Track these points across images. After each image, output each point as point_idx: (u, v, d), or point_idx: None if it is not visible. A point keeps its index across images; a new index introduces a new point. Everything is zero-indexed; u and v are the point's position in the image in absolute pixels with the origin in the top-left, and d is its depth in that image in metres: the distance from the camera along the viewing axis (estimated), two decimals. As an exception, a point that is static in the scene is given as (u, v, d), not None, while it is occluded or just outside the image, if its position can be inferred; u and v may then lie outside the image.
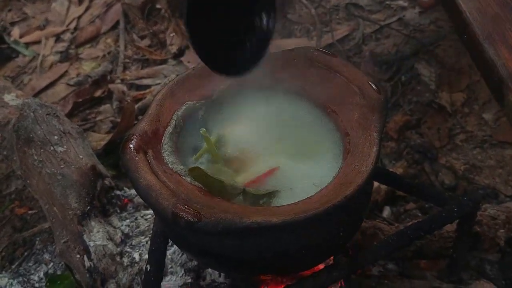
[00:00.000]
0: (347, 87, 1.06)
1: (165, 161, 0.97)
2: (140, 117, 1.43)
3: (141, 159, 0.92)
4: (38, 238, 1.61)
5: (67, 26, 2.56)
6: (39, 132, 1.47)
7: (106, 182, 1.47)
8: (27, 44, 2.50)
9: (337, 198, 0.87)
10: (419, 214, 1.54)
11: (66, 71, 2.33)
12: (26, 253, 1.58)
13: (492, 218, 1.37)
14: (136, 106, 1.97)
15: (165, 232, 1.08)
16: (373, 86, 1.03)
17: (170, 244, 1.25)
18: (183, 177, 0.94)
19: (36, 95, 2.20)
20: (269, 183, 1.00)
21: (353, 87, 1.05)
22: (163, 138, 1.01)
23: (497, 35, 0.94)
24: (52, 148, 1.45)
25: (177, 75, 1.12)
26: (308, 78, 1.10)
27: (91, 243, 1.32)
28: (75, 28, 2.55)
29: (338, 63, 1.09)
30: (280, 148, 1.08)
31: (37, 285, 1.45)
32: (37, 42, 2.51)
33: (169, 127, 1.02)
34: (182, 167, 0.96)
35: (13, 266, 1.55)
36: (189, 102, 1.07)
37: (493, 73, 0.91)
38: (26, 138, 1.46)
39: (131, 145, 0.94)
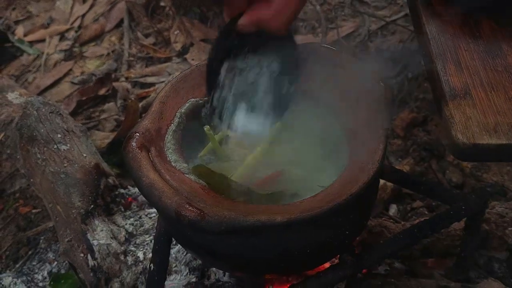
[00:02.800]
0: (353, 84, 1.04)
1: (168, 159, 0.95)
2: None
3: (144, 157, 0.91)
4: (42, 237, 1.60)
5: (71, 24, 2.55)
6: (43, 130, 1.46)
7: (110, 180, 1.46)
8: (31, 43, 2.49)
9: (343, 196, 0.86)
10: (426, 212, 1.52)
11: (70, 70, 2.33)
12: (30, 252, 1.57)
13: (500, 216, 1.36)
14: (140, 104, 1.96)
15: (169, 231, 1.07)
16: (380, 83, 1.02)
17: (174, 243, 1.24)
18: (186, 175, 0.93)
19: (41, 93, 2.20)
20: (273, 185, 0.99)
21: (359, 83, 1.03)
22: (166, 136, 0.99)
23: (449, 53, 0.99)
24: (55, 146, 1.44)
25: (181, 72, 1.10)
26: (314, 74, 1.08)
27: (95, 242, 1.31)
28: (79, 27, 2.54)
29: (344, 59, 1.07)
30: (284, 147, 1.07)
31: (41, 284, 1.44)
32: (41, 40, 2.50)
33: (172, 124, 1.01)
34: (185, 165, 0.95)
35: (17, 265, 1.54)
36: (193, 99, 1.06)
37: (436, 87, 0.96)
38: (30, 137, 1.45)
39: (134, 143, 0.93)
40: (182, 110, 1.04)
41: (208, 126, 1.03)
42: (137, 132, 0.95)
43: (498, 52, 1.00)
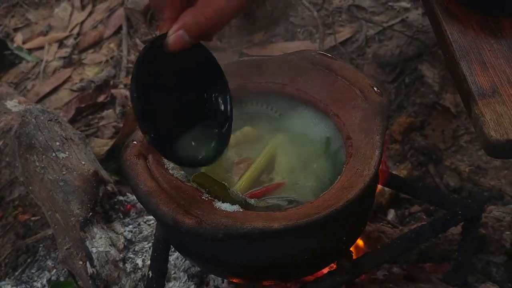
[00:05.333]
0: (349, 90, 1.05)
1: (165, 166, 0.96)
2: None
3: (141, 165, 0.92)
4: (41, 245, 1.60)
5: (70, 31, 2.56)
6: (41, 138, 1.46)
7: (109, 187, 1.47)
8: (30, 50, 2.50)
9: (340, 202, 0.87)
10: (424, 217, 1.52)
11: (69, 77, 2.33)
12: (29, 260, 1.57)
13: (497, 220, 1.36)
14: (139, 111, 1.96)
15: (167, 238, 1.08)
16: (375, 89, 1.03)
17: (173, 249, 1.24)
18: (184, 183, 0.93)
19: (40, 100, 2.20)
20: (274, 196, 1.00)
21: (355, 90, 1.04)
22: (164, 143, 1.00)
23: (473, 54, 0.99)
24: (54, 154, 1.44)
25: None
26: (310, 82, 1.09)
27: (94, 250, 1.31)
28: (78, 34, 2.55)
29: (339, 66, 1.08)
30: (284, 157, 1.08)
31: (40, 292, 1.45)
32: (40, 48, 2.51)
33: (169, 132, 1.02)
34: (182, 172, 0.96)
35: (16, 273, 1.54)
36: (190, 106, 1.07)
37: (463, 88, 0.96)
38: (28, 145, 1.46)
39: (131, 151, 0.93)
40: (180, 118, 1.05)
41: None
42: (135, 140, 0.96)
43: None
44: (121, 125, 1.97)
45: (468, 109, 0.95)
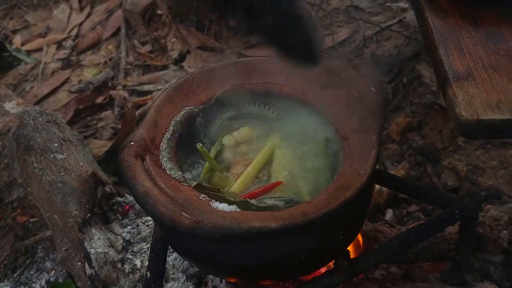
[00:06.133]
0: (346, 90, 1.05)
1: (163, 167, 0.96)
2: (141, 123, 1.42)
3: (139, 166, 0.92)
4: (40, 246, 1.60)
5: (68, 33, 2.56)
6: (39, 139, 1.47)
7: (107, 189, 1.47)
8: (28, 52, 2.50)
9: (336, 202, 0.87)
10: (422, 217, 1.52)
11: (68, 78, 2.33)
12: (28, 261, 1.57)
13: (495, 219, 1.36)
14: (137, 112, 1.97)
15: (165, 239, 1.08)
16: (372, 89, 1.03)
17: (171, 250, 1.24)
18: (181, 183, 0.94)
19: (38, 102, 2.20)
20: (272, 195, 1.00)
21: (351, 90, 1.04)
22: (161, 144, 1.00)
23: (451, 40, 1.03)
24: (52, 155, 1.45)
25: (176, 80, 1.11)
26: (307, 82, 1.10)
27: (92, 251, 1.32)
28: (77, 35, 2.55)
29: (336, 66, 1.08)
30: (281, 156, 1.08)
31: (39, 293, 1.45)
32: (39, 49, 2.51)
33: (167, 133, 1.02)
34: (180, 173, 0.96)
35: (15, 275, 1.54)
36: (187, 107, 1.07)
37: (440, 72, 1.00)
38: (26, 146, 1.46)
39: (129, 152, 0.94)
40: (177, 119, 1.05)
41: (201, 144, 1.03)
42: (132, 141, 0.96)
43: (499, 38, 1.03)
44: (120, 126, 1.97)
45: (443, 92, 0.99)
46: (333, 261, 1.04)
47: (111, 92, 2.16)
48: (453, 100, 0.93)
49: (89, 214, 1.37)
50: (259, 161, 1.07)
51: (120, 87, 2.20)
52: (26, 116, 1.51)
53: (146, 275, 1.10)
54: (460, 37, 1.04)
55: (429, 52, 1.09)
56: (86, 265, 1.31)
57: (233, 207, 0.89)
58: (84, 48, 2.48)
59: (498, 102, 0.91)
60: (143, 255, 1.35)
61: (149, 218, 1.46)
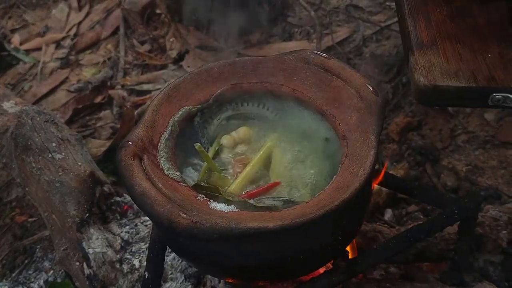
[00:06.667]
0: (344, 90, 1.05)
1: (161, 167, 0.96)
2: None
3: (136, 166, 0.92)
4: (38, 246, 1.60)
5: (67, 32, 2.56)
6: (37, 139, 1.46)
7: (106, 188, 1.46)
8: (27, 51, 2.50)
9: (335, 202, 0.87)
10: (421, 217, 1.52)
11: (67, 78, 2.33)
12: (26, 261, 1.57)
13: (494, 219, 1.36)
14: (136, 111, 1.96)
15: (163, 239, 1.08)
16: (371, 88, 1.03)
17: (169, 250, 1.24)
18: (179, 183, 0.93)
19: (37, 102, 2.20)
20: (269, 196, 1.00)
21: (350, 89, 1.04)
22: (159, 144, 1.00)
23: (421, 13, 1.07)
24: (50, 155, 1.44)
25: (174, 80, 1.11)
26: (306, 82, 1.09)
27: (90, 251, 1.31)
28: (75, 35, 2.54)
29: (335, 66, 1.08)
30: (280, 156, 1.08)
31: (37, 293, 1.45)
32: (38, 49, 2.50)
33: (165, 132, 1.02)
34: (178, 173, 0.96)
35: (13, 274, 1.54)
36: (185, 107, 1.07)
37: (406, 42, 1.05)
38: (24, 146, 1.45)
39: (126, 152, 0.93)
40: (175, 118, 1.05)
41: (199, 144, 1.03)
42: (130, 141, 0.96)
43: (469, 14, 1.07)
44: (118, 126, 1.97)
45: (406, 60, 1.02)
46: (332, 261, 1.04)
47: (110, 91, 2.16)
48: (414, 67, 0.96)
49: (87, 214, 1.37)
50: (258, 161, 1.06)
51: (119, 86, 2.20)
52: (24, 116, 1.50)
53: (144, 275, 1.10)
54: (430, 10, 1.07)
55: (399, 24, 1.13)
56: (85, 265, 1.30)
57: (231, 207, 0.89)
58: (83, 48, 2.47)
59: (457, 71, 0.94)
60: (141, 255, 1.35)
61: (148, 218, 1.45)
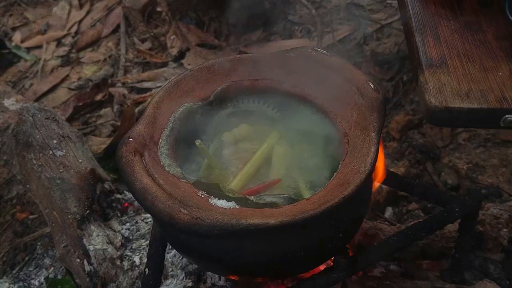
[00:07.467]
0: (345, 87, 1.05)
1: (161, 163, 0.96)
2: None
3: (137, 162, 0.92)
4: (39, 243, 1.60)
5: (68, 30, 2.56)
6: (38, 136, 1.46)
7: (106, 185, 1.47)
8: (28, 49, 2.50)
9: (335, 199, 0.87)
10: (422, 214, 1.52)
11: (67, 75, 2.33)
12: (27, 258, 1.57)
13: (495, 217, 1.36)
14: (137, 109, 1.96)
15: (163, 235, 1.08)
16: (372, 86, 1.02)
17: (170, 247, 1.24)
18: (180, 180, 0.93)
19: (38, 99, 2.20)
20: (270, 193, 1.00)
21: (351, 86, 1.04)
22: (160, 140, 1.00)
23: (429, 28, 1.05)
24: (51, 152, 1.44)
25: (175, 77, 1.11)
26: (306, 79, 1.09)
27: (91, 247, 1.31)
28: (76, 32, 2.55)
29: (336, 63, 1.08)
30: (281, 153, 1.07)
31: (37, 289, 1.45)
32: (38, 46, 2.50)
33: (165, 129, 1.02)
34: (178, 169, 0.96)
35: (14, 271, 1.54)
36: (186, 103, 1.07)
37: (414, 58, 1.03)
38: (25, 143, 1.46)
39: (127, 149, 0.93)
40: (176, 115, 1.04)
41: (200, 141, 1.03)
42: (131, 137, 0.95)
43: (477, 28, 1.05)
44: (119, 123, 1.97)
45: (415, 79, 1.00)
46: (333, 258, 1.04)
47: (111, 89, 2.16)
48: (424, 87, 0.94)
49: (88, 211, 1.37)
50: (258, 158, 1.06)
51: (119, 84, 2.20)
52: (25, 113, 1.50)
53: (145, 272, 1.10)
54: (438, 25, 1.05)
55: (406, 38, 1.10)
56: (85, 262, 1.30)
57: (232, 204, 0.89)
58: (83, 45, 2.47)
59: (468, 91, 0.92)
60: (142, 252, 1.35)
61: (148, 215, 1.45)
